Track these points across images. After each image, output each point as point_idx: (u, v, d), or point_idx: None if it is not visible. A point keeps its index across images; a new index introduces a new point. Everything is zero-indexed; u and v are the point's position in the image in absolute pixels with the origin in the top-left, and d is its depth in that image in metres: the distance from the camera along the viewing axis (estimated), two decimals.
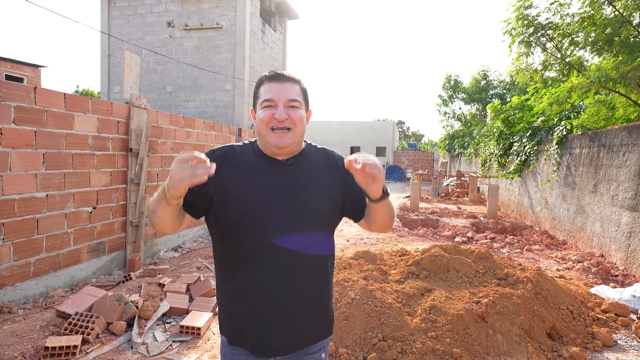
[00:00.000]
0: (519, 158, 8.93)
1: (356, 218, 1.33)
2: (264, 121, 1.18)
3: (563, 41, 6.68)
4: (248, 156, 1.26)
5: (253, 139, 1.33)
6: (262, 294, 1.18)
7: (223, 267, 1.25)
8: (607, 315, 3.52)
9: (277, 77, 1.20)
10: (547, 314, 3.16)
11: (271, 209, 1.17)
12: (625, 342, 3.10)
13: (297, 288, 1.20)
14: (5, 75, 18.41)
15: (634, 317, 3.56)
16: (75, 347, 2.46)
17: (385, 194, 1.16)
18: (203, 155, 0.99)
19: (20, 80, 18.93)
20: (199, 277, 4.03)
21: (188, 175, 0.97)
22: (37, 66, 20.07)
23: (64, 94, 4.00)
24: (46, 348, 2.42)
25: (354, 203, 1.29)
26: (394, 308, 3.02)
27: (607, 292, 4.03)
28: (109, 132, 4.61)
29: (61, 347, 2.43)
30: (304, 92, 1.26)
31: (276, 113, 1.17)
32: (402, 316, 2.96)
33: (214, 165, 0.99)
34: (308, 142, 1.36)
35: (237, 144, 1.31)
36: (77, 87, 30.30)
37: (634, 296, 3.80)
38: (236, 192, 1.18)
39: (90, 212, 4.38)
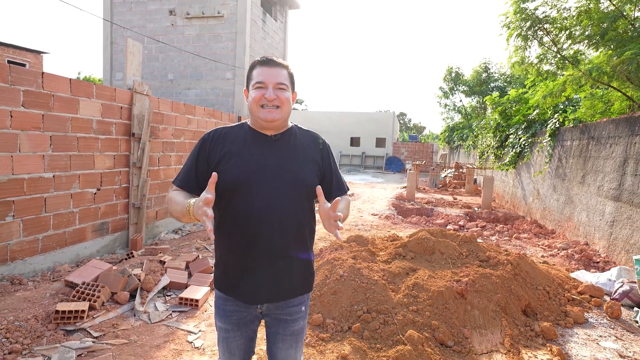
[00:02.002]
0: (514, 150, 9.08)
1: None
2: (255, 100, 1.38)
3: (560, 35, 6.76)
4: (240, 133, 1.47)
5: (244, 121, 1.53)
6: (252, 253, 1.38)
7: (220, 229, 1.45)
8: (582, 296, 3.73)
9: (267, 62, 1.41)
10: (523, 293, 3.37)
11: (259, 176, 1.37)
12: (596, 320, 3.31)
13: (281, 248, 1.39)
14: (8, 60, 18.50)
15: (607, 298, 3.77)
16: (83, 311, 2.69)
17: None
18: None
19: (22, 66, 19.01)
20: (198, 256, 4.25)
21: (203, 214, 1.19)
22: (39, 52, 20.12)
23: (70, 79, 4.17)
24: (57, 312, 2.64)
25: (324, 186, 1.49)
26: (379, 284, 3.22)
27: (586, 277, 4.24)
28: (113, 117, 4.78)
29: (70, 311, 2.65)
30: (291, 76, 1.46)
31: (266, 93, 1.37)
32: (387, 292, 3.17)
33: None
34: (294, 124, 1.55)
35: (230, 125, 1.51)
36: (79, 74, 30.35)
37: (609, 280, 4.01)
38: (229, 162, 1.39)
39: (95, 194, 4.58)
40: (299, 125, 1.56)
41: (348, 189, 1.61)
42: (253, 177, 1.36)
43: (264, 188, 1.36)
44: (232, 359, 1.50)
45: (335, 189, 1.54)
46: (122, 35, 10.72)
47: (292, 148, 1.45)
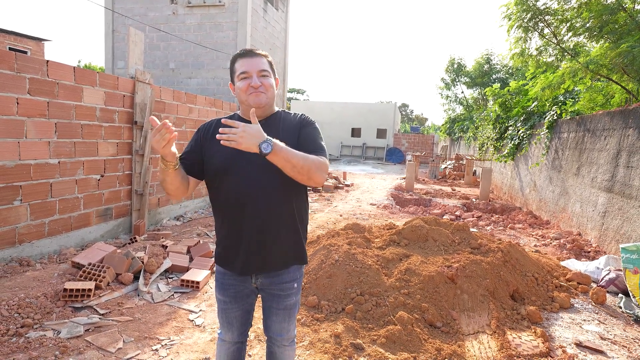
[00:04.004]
0: (512, 142, 9.15)
1: None
2: (242, 89, 1.49)
3: (560, 27, 6.77)
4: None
5: (236, 112, 1.65)
6: (242, 230, 1.50)
7: (215, 210, 1.59)
8: (570, 283, 3.86)
9: (247, 54, 1.51)
10: (512, 279, 3.49)
11: (244, 160, 1.47)
12: (581, 305, 3.44)
13: (268, 225, 1.51)
14: (9, 48, 18.49)
15: (594, 285, 3.90)
16: (89, 290, 2.83)
17: (262, 153, 1.28)
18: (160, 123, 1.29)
19: (24, 53, 19.01)
20: (199, 241, 4.38)
21: (159, 139, 1.28)
22: (40, 40, 20.08)
23: (74, 67, 4.25)
24: (65, 290, 2.79)
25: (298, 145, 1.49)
26: (373, 269, 3.35)
27: (576, 265, 4.37)
28: (115, 105, 4.87)
29: (78, 290, 2.80)
30: (271, 64, 1.56)
31: (251, 82, 1.47)
32: (380, 276, 3.31)
33: (167, 122, 1.29)
34: (282, 109, 1.65)
35: (223, 116, 1.62)
36: (79, 61, 30.29)
37: (597, 268, 4.14)
38: (217, 149, 1.49)
39: (99, 180, 4.70)
40: (286, 111, 1.65)
41: (324, 157, 1.49)
42: (237, 162, 1.47)
43: (248, 171, 1.46)
44: (230, 328, 1.64)
45: (305, 147, 1.47)
46: (123, 24, 10.73)
47: (276, 132, 1.52)
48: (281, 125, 1.56)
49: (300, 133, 1.53)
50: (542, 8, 6.74)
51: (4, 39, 18.48)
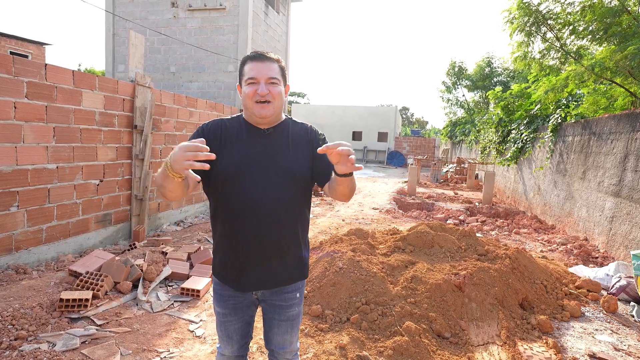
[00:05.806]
0: (515, 145, 9.07)
1: (320, 184, 1.53)
2: (248, 96, 1.39)
3: (563, 30, 6.72)
4: (235, 126, 1.49)
5: (239, 113, 1.55)
6: (244, 241, 1.41)
7: (215, 219, 1.49)
8: (580, 290, 3.76)
9: (258, 57, 1.40)
10: (520, 287, 3.40)
11: (252, 168, 1.40)
12: (592, 314, 3.35)
13: (272, 238, 1.42)
14: (10, 52, 18.50)
15: (605, 293, 3.80)
16: (87, 300, 2.74)
17: (351, 174, 1.28)
18: (206, 147, 1.14)
19: (25, 57, 19.00)
20: (200, 247, 4.30)
21: (188, 165, 1.12)
22: (41, 44, 20.09)
23: (73, 71, 4.19)
24: (61, 300, 2.70)
25: (319, 171, 1.48)
26: (378, 277, 3.26)
27: (584, 271, 4.27)
28: (115, 109, 4.81)
29: (74, 300, 2.71)
30: (282, 70, 1.46)
31: (259, 89, 1.38)
32: (385, 284, 3.22)
33: (213, 156, 1.15)
34: (289, 116, 1.58)
35: (226, 117, 1.54)
36: (79, 65, 30.33)
37: (607, 275, 4.04)
38: (224, 155, 1.41)
39: (98, 185, 4.63)
40: (293, 119, 1.58)
41: None
42: (244, 169, 1.39)
43: (255, 179, 1.38)
44: (230, 342, 1.55)
45: (323, 177, 1.49)
46: (124, 27, 10.70)
47: (285, 141, 1.46)
48: (290, 136, 1.48)
49: (319, 156, 1.44)
50: (544, 12, 6.68)
51: (6, 43, 18.48)
